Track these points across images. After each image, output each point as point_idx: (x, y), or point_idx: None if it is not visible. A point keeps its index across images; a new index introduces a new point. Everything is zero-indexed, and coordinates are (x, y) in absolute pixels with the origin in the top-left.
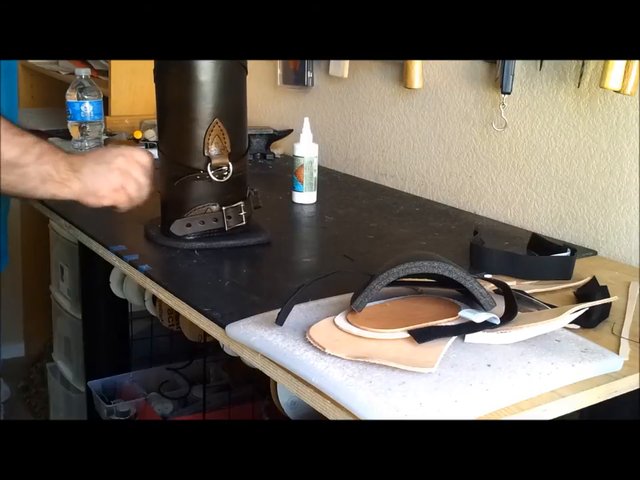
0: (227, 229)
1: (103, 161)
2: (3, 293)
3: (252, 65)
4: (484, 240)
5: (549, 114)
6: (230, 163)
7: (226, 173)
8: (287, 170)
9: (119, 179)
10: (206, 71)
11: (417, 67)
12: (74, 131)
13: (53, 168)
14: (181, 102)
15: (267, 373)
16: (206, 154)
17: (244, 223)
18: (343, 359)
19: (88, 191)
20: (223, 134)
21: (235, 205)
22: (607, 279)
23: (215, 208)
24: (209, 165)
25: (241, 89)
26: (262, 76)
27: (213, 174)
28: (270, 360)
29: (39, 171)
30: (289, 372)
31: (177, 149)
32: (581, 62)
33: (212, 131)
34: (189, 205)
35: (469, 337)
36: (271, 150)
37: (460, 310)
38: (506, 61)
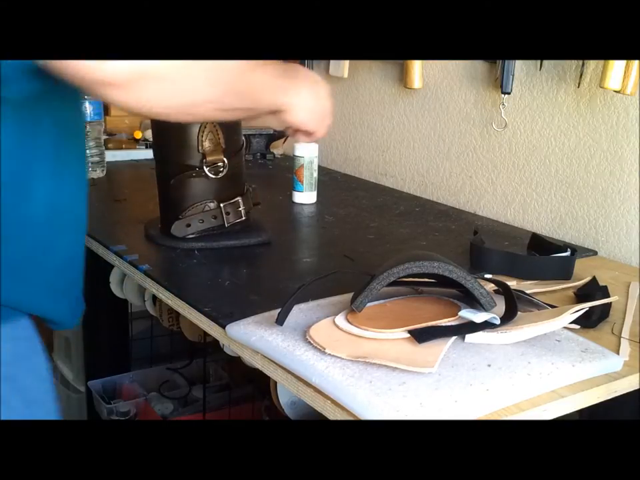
0: (226, 225)
1: (318, 96)
2: None
3: None
4: (484, 240)
5: (549, 114)
6: (225, 159)
7: (222, 169)
8: (287, 170)
9: (327, 119)
10: None
11: (417, 67)
12: None
13: (273, 75)
14: None
15: (267, 373)
16: (200, 150)
17: (243, 218)
18: (343, 359)
19: (312, 114)
20: (217, 130)
21: (233, 201)
22: (607, 279)
23: (212, 205)
24: (204, 161)
25: None
26: None
27: (208, 170)
28: (270, 360)
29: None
30: (289, 372)
31: (171, 147)
32: (580, 62)
33: (205, 127)
34: (186, 203)
35: (469, 337)
36: (271, 150)
37: (460, 310)
38: (506, 61)
